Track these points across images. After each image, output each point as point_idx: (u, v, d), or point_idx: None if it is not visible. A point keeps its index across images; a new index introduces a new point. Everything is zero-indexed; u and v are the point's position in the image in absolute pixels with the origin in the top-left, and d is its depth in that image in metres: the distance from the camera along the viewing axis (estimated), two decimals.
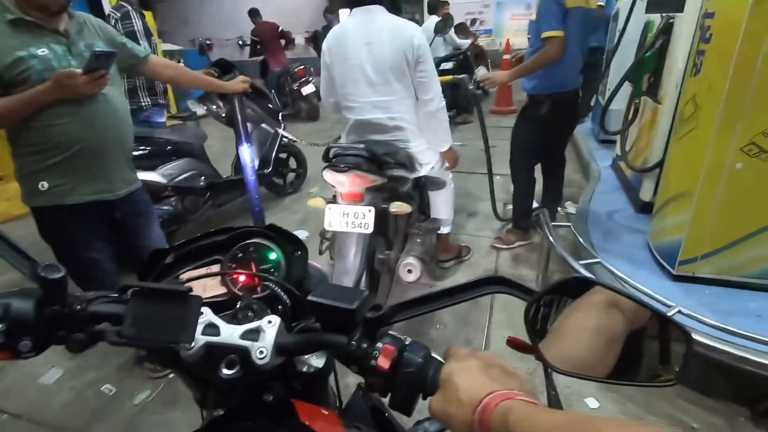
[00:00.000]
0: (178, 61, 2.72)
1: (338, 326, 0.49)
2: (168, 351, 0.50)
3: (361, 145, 1.80)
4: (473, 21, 9.04)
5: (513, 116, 2.78)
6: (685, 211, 1.81)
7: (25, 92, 1.31)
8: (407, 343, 0.47)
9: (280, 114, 3.63)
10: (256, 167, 2.95)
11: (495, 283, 0.52)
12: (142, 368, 1.91)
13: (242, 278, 0.66)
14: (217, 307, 0.53)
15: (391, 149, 1.91)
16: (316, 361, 0.59)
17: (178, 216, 2.81)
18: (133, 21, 2.51)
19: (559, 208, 2.94)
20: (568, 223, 2.56)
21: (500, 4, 10.21)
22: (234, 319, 0.53)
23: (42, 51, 1.33)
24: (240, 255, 0.68)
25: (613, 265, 1.97)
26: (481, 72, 2.81)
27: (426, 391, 0.45)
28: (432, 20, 5.28)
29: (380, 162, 1.79)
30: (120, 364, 1.96)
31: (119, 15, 2.53)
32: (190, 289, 0.46)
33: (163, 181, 2.69)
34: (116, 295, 0.51)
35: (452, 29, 5.64)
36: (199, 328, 0.48)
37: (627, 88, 2.67)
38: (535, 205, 2.80)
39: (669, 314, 1.54)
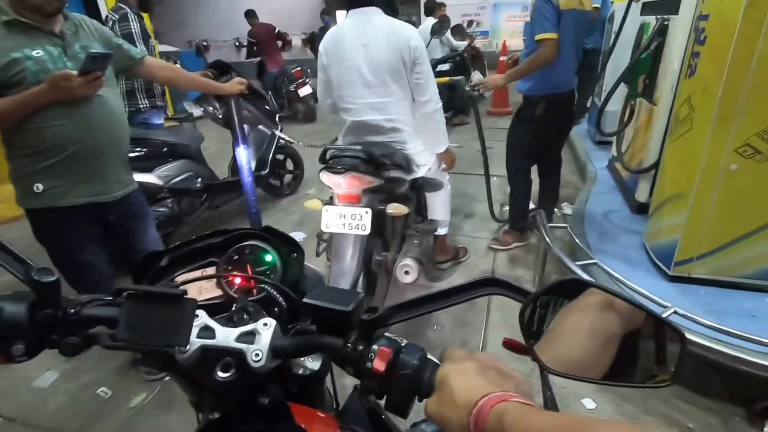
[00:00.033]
0: (174, 63, 2.71)
1: (334, 328, 0.49)
2: (163, 354, 0.50)
3: (358, 147, 1.80)
4: (470, 23, 9.07)
5: (509, 117, 2.79)
6: (680, 212, 1.82)
7: (20, 94, 1.30)
8: (403, 345, 0.47)
9: (277, 115, 3.62)
10: (253, 169, 2.95)
11: (491, 284, 0.52)
12: (138, 371, 1.90)
13: (238, 280, 0.65)
14: (212, 309, 0.53)
15: (388, 151, 1.91)
16: (312, 363, 0.59)
17: (175, 218, 2.80)
18: (131, 23, 2.51)
19: (555, 209, 2.94)
20: (565, 224, 2.57)
21: (496, 6, 10.25)
22: (229, 322, 0.53)
23: (37, 52, 1.32)
24: (236, 257, 0.67)
25: (610, 266, 1.98)
26: (476, 77, 2.83)
27: (422, 393, 0.45)
28: (428, 22, 5.30)
29: (377, 163, 1.79)
30: (116, 367, 1.95)
31: (117, 17, 2.53)
32: (185, 292, 0.46)
33: (160, 182, 2.68)
34: (110, 298, 0.51)
35: (449, 31, 5.66)
36: (195, 331, 0.48)
37: (623, 89, 2.69)
38: (531, 206, 2.81)
39: (665, 315, 1.56)
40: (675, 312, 1.62)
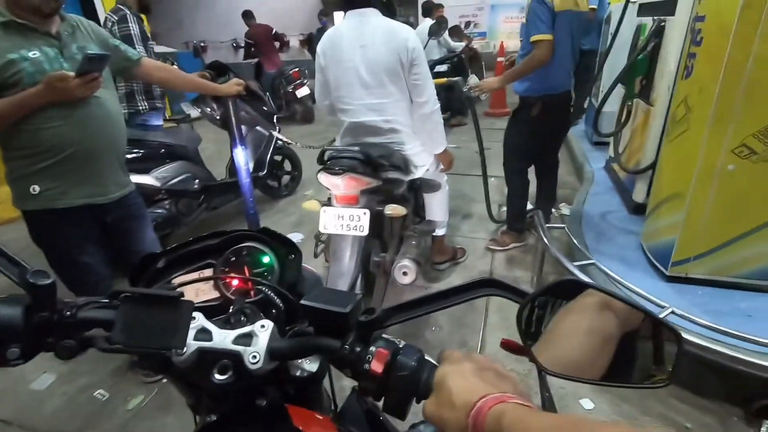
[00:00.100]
0: (172, 64, 2.70)
1: (332, 330, 0.49)
2: (159, 357, 0.49)
3: (356, 148, 1.80)
4: (467, 24, 9.09)
5: (507, 118, 2.80)
6: (677, 213, 1.83)
7: (16, 95, 1.30)
8: (401, 346, 0.47)
9: (275, 117, 3.62)
10: (251, 170, 2.95)
11: (488, 285, 0.52)
12: (136, 373, 1.89)
13: (235, 282, 0.65)
14: (209, 311, 0.53)
15: (385, 152, 1.91)
16: (310, 365, 0.59)
17: (172, 219, 2.79)
18: (130, 25, 2.50)
19: (553, 210, 2.95)
20: (563, 225, 2.57)
21: (494, 7, 10.27)
22: (227, 324, 0.53)
23: (33, 54, 1.32)
24: (233, 259, 0.67)
25: (607, 266, 1.98)
26: (472, 80, 2.83)
27: (420, 394, 0.45)
28: (426, 23, 5.31)
29: (375, 164, 1.79)
30: (113, 369, 1.94)
31: (116, 18, 2.52)
32: (181, 294, 0.46)
33: (157, 184, 2.67)
34: (107, 300, 0.50)
35: (446, 32, 5.67)
36: (191, 333, 0.48)
37: (620, 90, 2.69)
38: (529, 206, 2.82)
39: (662, 315, 1.56)
40: (672, 312, 1.62)
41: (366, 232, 1.71)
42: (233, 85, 2.14)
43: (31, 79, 1.31)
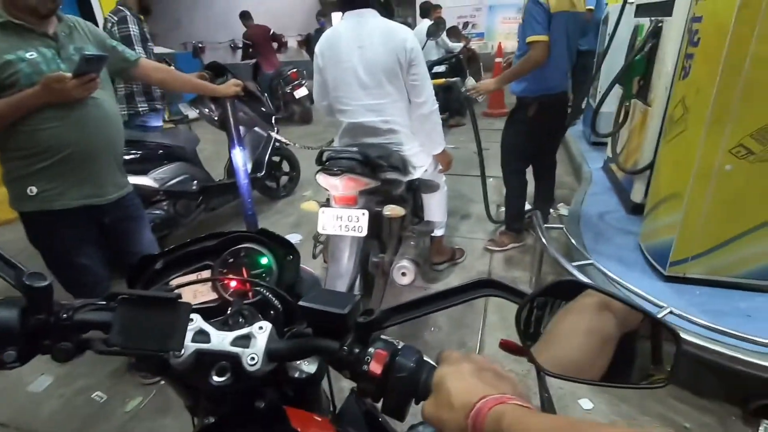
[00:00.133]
0: (169, 65, 2.69)
1: (330, 331, 0.49)
2: (157, 359, 0.49)
3: (355, 149, 1.80)
4: (465, 24, 9.08)
5: (505, 119, 2.80)
6: (675, 213, 1.83)
7: (13, 96, 1.30)
8: (399, 347, 0.47)
9: (273, 117, 3.62)
10: (249, 171, 2.95)
11: (487, 286, 0.52)
12: (134, 375, 1.88)
13: (233, 284, 0.65)
14: (207, 313, 0.52)
15: (384, 152, 1.91)
16: (308, 366, 0.59)
17: (170, 220, 2.79)
18: (130, 26, 2.50)
19: (551, 210, 2.95)
20: (561, 225, 2.57)
21: (492, 8, 10.29)
22: (225, 326, 0.53)
23: (31, 54, 1.32)
24: (231, 260, 0.67)
25: (606, 267, 1.99)
26: (469, 82, 2.84)
27: (418, 395, 0.45)
28: (424, 24, 5.32)
29: (374, 165, 1.79)
30: (111, 371, 1.94)
31: (116, 19, 2.52)
32: (179, 296, 0.46)
33: (155, 185, 2.67)
34: (104, 302, 0.50)
35: (444, 33, 5.68)
36: (189, 335, 0.48)
37: (617, 91, 2.70)
38: (527, 207, 2.82)
39: (660, 315, 1.56)
40: (671, 312, 1.63)
41: (365, 232, 1.71)
42: (231, 86, 2.13)
43: (28, 80, 1.30)
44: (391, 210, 1.82)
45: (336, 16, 7.81)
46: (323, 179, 1.76)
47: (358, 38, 1.87)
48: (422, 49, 1.95)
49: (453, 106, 5.83)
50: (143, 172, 2.61)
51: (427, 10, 5.94)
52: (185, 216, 2.90)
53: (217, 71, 2.74)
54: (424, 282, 2.51)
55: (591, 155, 3.82)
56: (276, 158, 3.79)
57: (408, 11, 10.27)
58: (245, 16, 7.18)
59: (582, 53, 4.23)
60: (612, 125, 2.85)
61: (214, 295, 0.66)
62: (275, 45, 7.38)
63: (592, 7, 4.21)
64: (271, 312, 0.60)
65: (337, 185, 1.74)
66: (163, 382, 1.81)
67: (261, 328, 0.49)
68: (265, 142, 3.53)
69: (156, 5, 2.81)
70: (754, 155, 1.60)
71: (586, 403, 1.67)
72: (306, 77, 6.43)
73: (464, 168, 3.94)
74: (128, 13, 2.54)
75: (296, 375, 0.59)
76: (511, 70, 2.40)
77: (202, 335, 0.49)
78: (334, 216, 1.74)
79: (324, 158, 1.82)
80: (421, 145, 2.07)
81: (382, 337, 0.49)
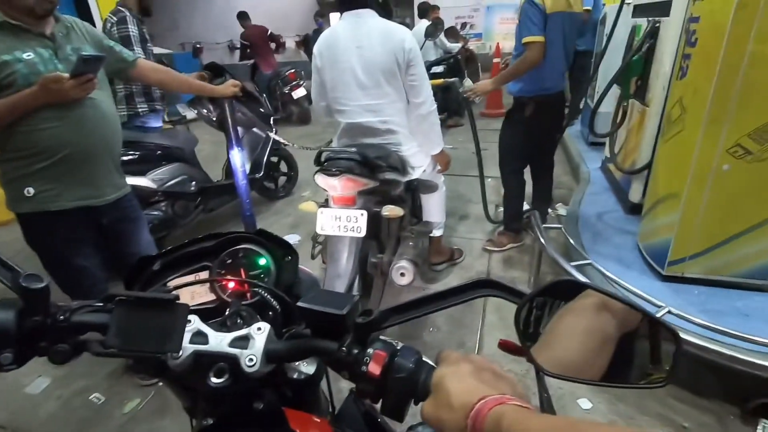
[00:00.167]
0: (167, 65, 2.68)
1: (329, 332, 0.48)
2: (155, 360, 0.49)
3: (353, 149, 1.80)
4: (463, 25, 9.08)
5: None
6: (673, 212, 1.84)
7: (10, 96, 1.29)
8: (398, 348, 0.47)
9: (272, 118, 3.61)
10: (248, 171, 2.94)
11: (486, 286, 0.52)
12: (132, 376, 1.88)
13: (231, 285, 0.65)
14: (205, 314, 0.52)
15: (383, 152, 1.90)
16: (307, 367, 0.59)
17: (169, 221, 2.78)
18: (129, 26, 2.50)
19: (549, 210, 2.96)
20: (559, 225, 2.58)
21: (490, 9, 10.30)
22: (223, 327, 0.53)
23: (28, 55, 1.31)
24: (229, 261, 0.67)
25: (604, 266, 1.99)
26: (466, 84, 2.84)
27: (417, 396, 0.45)
28: (422, 24, 5.32)
29: (372, 165, 1.79)
30: (109, 372, 1.93)
31: (115, 19, 2.52)
32: (177, 297, 0.45)
33: (154, 186, 2.66)
34: (101, 304, 0.50)
35: (442, 33, 5.69)
36: (187, 336, 0.48)
37: (615, 91, 2.71)
38: (525, 207, 2.82)
39: (659, 315, 1.57)
40: (669, 312, 1.63)
41: (363, 233, 1.71)
42: (229, 87, 2.13)
43: (25, 81, 1.30)
44: (390, 210, 1.82)
45: (334, 16, 7.82)
46: (322, 180, 1.76)
47: (357, 38, 1.86)
48: (420, 49, 1.95)
49: (451, 107, 5.84)
50: (141, 173, 2.60)
51: (425, 11, 5.95)
52: (184, 217, 2.89)
53: (216, 72, 2.74)
54: (423, 282, 2.51)
55: (589, 155, 3.83)
56: (274, 159, 3.79)
57: (406, 12, 10.28)
58: (243, 16, 7.17)
59: (580, 53, 4.24)
60: (610, 125, 2.86)
61: (212, 296, 0.66)
62: (273, 45, 7.38)
63: (589, 8, 4.22)
64: (270, 313, 0.60)
65: (335, 186, 1.74)
66: (161, 384, 1.81)
67: (259, 329, 0.49)
68: (264, 143, 3.53)
69: (154, 6, 2.80)
70: (752, 155, 1.60)
71: (585, 403, 1.67)
72: (304, 78, 6.43)
73: (463, 168, 3.95)
74: (128, 13, 2.54)
75: (295, 376, 0.59)
76: (507, 71, 2.41)
77: (200, 336, 0.48)
78: (332, 216, 1.74)
79: (322, 159, 1.82)
80: (419, 145, 2.07)
81: (381, 337, 0.48)
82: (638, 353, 0.47)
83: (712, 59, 1.59)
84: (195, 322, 0.49)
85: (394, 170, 1.95)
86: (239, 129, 2.70)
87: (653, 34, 2.38)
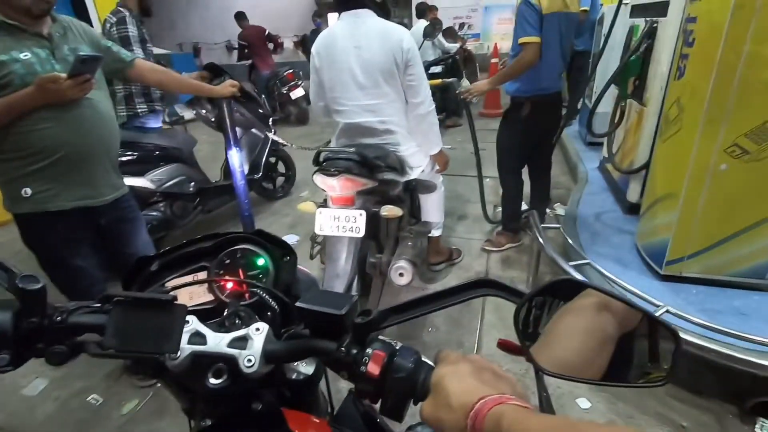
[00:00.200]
0: (164, 66, 2.67)
1: (327, 332, 0.48)
2: (153, 361, 0.49)
3: (352, 149, 1.80)
4: (461, 25, 9.08)
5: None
6: (671, 212, 1.84)
7: (7, 97, 1.28)
8: (397, 348, 0.47)
9: (271, 119, 3.61)
10: (246, 172, 2.94)
11: (485, 285, 0.52)
12: (130, 377, 1.87)
13: (229, 285, 0.65)
14: (204, 315, 0.52)
15: (381, 153, 1.90)
16: (306, 368, 0.59)
17: (167, 222, 2.77)
18: (128, 26, 2.50)
19: (548, 210, 2.96)
20: (558, 225, 2.58)
21: (488, 9, 10.31)
22: (221, 327, 0.52)
23: (25, 55, 1.31)
24: (227, 261, 0.67)
25: (602, 266, 1.99)
26: (463, 84, 2.84)
27: (417, 396, 0.44)
28: (420, 24, 5.33)
29: (371, 165, 1.79)
30: (107, 373, 1.92)
31: (115, 20, 2.52)
32: (175, 298, 0.45)
33: (152, 186, 2.65)
34: (98, 305, 0.50)
35: (440, 33, 5.69)
36: (185, 337, 0.47)
37: (613, 91, 2.71)
38: (524, 207, 2.82)
39: (657, 314, 1.57)
40: (667, 311, 1.63)
41: (362, 233, 1.71)
42: (227, 87, 2.13)
43: (22, 81, 1.29)
44: (389, 210, 1.82)
45: (332, 16, 7.82)
46: (320, 180, 1.76)
47: (355, 38, 1.86)
48: (419, 49, 1.95)
49: (450, 107, 5.84)
50: (140, 174, 2.59)
51: (424, 11, 5.94)
52: (182, 218, 2.89)
53: (215, 72, 2.73)
54: (422, 282, 2.51)
55: (587, 155, 3.84)
56: (272, 159, 3.79)
57: (404, 12, 10.28)
58: (240, 16, 7.16)
59: (578, 54, 4.26)
60: (608, 125, 2.86)
61: (210, 297, 0.65)
62: (271, 46, 7.37)
63: (586, 8, 4.23)
64: (268, 313, 0.59)
65: (334, 186, 1.74)
66: (159, 385, 1.81)
67: (258, 329, 0.49)
68: (263, 144, 3.52)
69: (152, 6, 2.79)
70: (749, 155, 1.60)
71: (583, 403, 1.67)
72: (302, 78, 6.42)
73: (461, 168, 3.95)
74: (127, 14, 2.53)
75: (294, 376, 0.59)
76: (503, 71, 2.42)
77: (198, 337, 0.48)
78: (331, 216, 1.73)
79: (321, 159, 1.81)
80: (418, 145, 2.07)
81: (380, 337, 0.48)
82: (637, 353, 0.47)
83: (709, 59, 1.59)
84: (193, 323, 0.49)
85: (393, 170, 1.94)
86: (238, 130, 2.69)
87: (651, 34, 2.39)
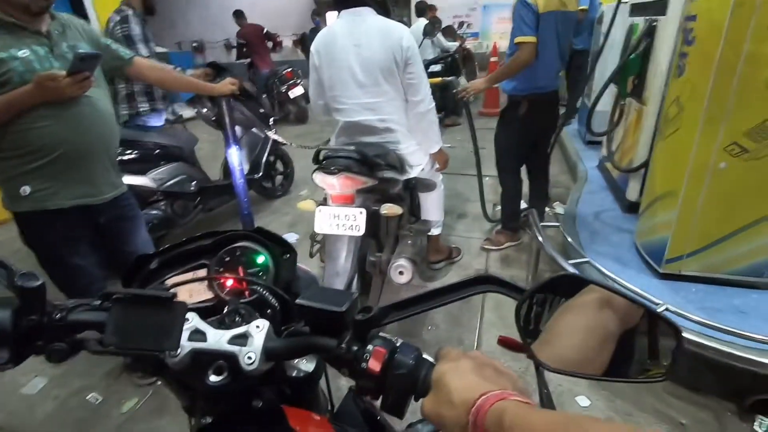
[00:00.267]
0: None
1: (328, 329, 0.48)
2: (153, 359, 0.49)
3: (352, 147, 1.79)
4: (460, 24, 9.07)
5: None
6: (670, 211, 1.84)
7: (6, 95, 1.28)
8: (398, 344, 0.47)
9: (271, 119, 3.60)
10: (246, 171, 2.94)
11: (485, 282, 0.52)
12: (130, 375, 1.87)
13: (229, 282, 0.65)
14: (204, 312, 0.52)
15: (381, 151, 1.90)
16: (306, 365, 0.59)
17: (168, 220, 2.77)
18: (131, 25, 2.49)
19: (547, 209, 2.96)
20: (557, 224, 2.58)
21: (487, 8, 10.30)
22: (221, 325, 0.52)
23: (23, 53, 1.30)
24: (227, 259, 0.66)
25: (602, 265, 1.99)
26: (460, 83, 2.84)
27: (418, 392, 0.44)
28: (420, 23, 5.31)
29: (371, 164, 1.79)
30: (107, 371, 1.92)
31: (118, 18, 2.51)
32: (174, 295, 0.45)
33: (153, 185, 2.65)
34: (98, 302, 0.49)
35: (440, 32, 5.68)
36: (186, 335, 0.47)
37: (612, 89, 2.71)
38: (523, 205, 2.83)
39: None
40: (667, 309, 1.63)
41: (362, 231, 1.71)
42: (227, 85, 2.12)
43: (21, 79, 1.29)
44: (389, 209, 1.81)
45: (331, 15, 7.80)
46: (320, 178, 1.76)
47: (355, 37, 1.86)
48: (419, 48, 1.95)
49: (449, 106, 5.82)
50: (141, 172, 2.59)
51: (423, 10, 5.94)
52: (183, 216, 2.88)
53: (216, 71, 2.73)
54: (422, 281, 2.51)
55: (586, 154, 3.83)
56: (271, 158, 3.78)
57: (403, 10, 10.26)
58: (238, 15, 7.15)
59: (577, 52, 4.25)
60: (607, 124, 2.86)
61: (210, 294, 0.65)
62: (270, 44, 7.36)
63: (585, 7, 4.23)
64: (268, 310, 0.59)
65: (334, 184, 1.73)
66: (159, 383, 1.81)
67: (258, 326, 0.49)
68: (263, 143, 3.52)
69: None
70: (749, 153, 1.61)
71: (583, 400, 1.67)
72: (301, 77, 6.41)
73: (461, 167, 3.95)
74: (130, 12, 2.53)
75: (294, 374, 0.59)
76: (499, 71, 2.43)
77: (198, 334, 0.48)
78: (331, 215, 1.73)
79: (321, 157, 1.81)
80: (417, 143, 2.07)
81: (381, 334, 0.48)
82: (638, 349, 0.47)
83: (709, 58, 1.59)
84: (193, 320, 0.49)
85: (393, 169, 1.94)
86: (238, 129, 2.69)
87: (650, 32, 2.39)
